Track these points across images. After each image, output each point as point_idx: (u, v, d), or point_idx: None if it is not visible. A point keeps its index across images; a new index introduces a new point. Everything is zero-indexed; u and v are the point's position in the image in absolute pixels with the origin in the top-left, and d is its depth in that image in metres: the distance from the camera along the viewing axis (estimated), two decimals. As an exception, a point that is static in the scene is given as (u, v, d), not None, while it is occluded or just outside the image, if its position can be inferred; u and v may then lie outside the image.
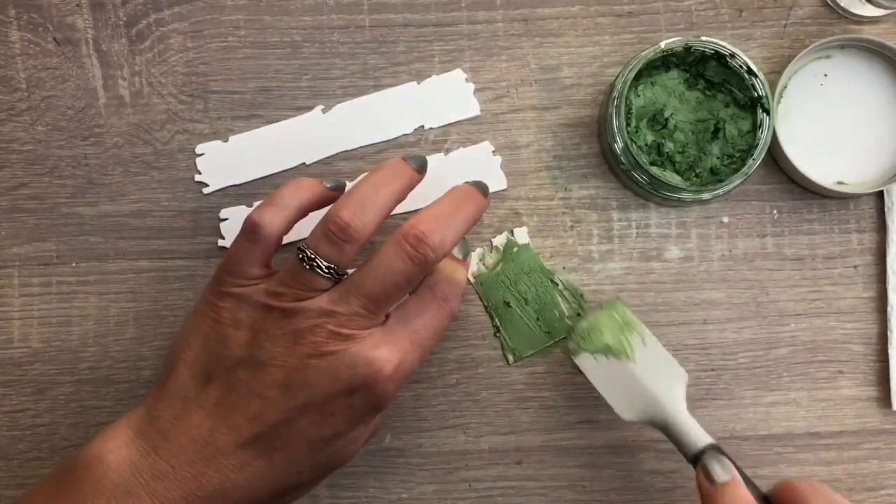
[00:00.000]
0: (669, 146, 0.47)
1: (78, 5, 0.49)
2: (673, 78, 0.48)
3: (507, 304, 0.49)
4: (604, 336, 0.44)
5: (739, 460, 0.49)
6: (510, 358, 0.49)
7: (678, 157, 0.47)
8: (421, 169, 0.43)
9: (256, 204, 0.48)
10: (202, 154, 0.49)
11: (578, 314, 0.49)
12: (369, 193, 0.41)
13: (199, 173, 0.49)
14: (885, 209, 0.49)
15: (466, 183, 0.43)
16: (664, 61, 0.47)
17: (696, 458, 0.41)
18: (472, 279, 0.49)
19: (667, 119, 0.47)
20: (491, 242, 0.50)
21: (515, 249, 0.49)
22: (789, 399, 0.49)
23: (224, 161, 0.49)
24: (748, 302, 0.49)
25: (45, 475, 0.45)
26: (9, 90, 0.49)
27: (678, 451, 0.42)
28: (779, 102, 0.48)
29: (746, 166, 0.45)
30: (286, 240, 0.43)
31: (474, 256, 0.49)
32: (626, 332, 0.44)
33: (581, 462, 0.49)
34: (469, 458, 0.49)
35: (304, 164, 0.49)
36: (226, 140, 0.49)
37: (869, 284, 0.50)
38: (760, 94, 0.46)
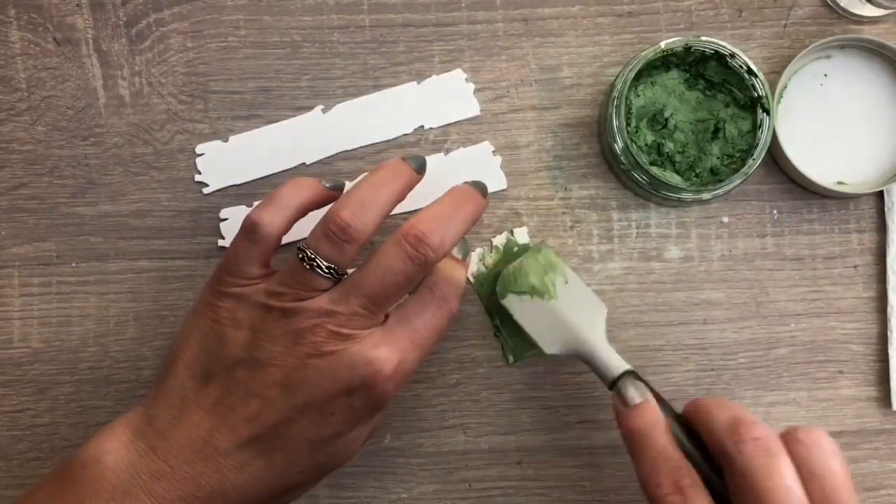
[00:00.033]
0: (669, 146, 0.47)
1: (78, 5, 0.49)
2: (673, 78, 0.48)
3: (507, 304, 0.49)
4: (529, 278, 0.46)
5: (739, 460, 0.49)
6: (510, 358, 0.49)
7: (678, 157, 0.47)
8: (420, 169, 0.43)
9: (256, 204, 0.48)
10: (202, 154, 0.49)
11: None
12: (369, 193, 0.41)
13: (199, 173, 0.49)
14: (885, 209, 0.49)
15: (466, 183, 0.43)
16: (664, 61, 0.47)
17: (614, 384, 0.43)
18: (472, 279, 0.49)
19: (667, 119, 0.47)
20: (491, 242, 0.50)
21: (515, 249, 0.49)
22: (789, 399, 0.49)
23: (224, 161, 0.49)
24: (748, 302, 0.49)
25: (43, 475, 0.45)
26: (9, 90, 0.49)
27: (599, 379, 0.44)
28: (779, 102, 0.48)
29: (746, 166, 0.45)
30: (286, 239, 0.43)
31: (474, 256, 0.49)
32: (549, 272, 0.46)
33: (581, 462, 0.49)
34: (469, 458, 0.49)
35: (304, 164, 0.49)
36: (226, 140, 0.49)
37: (869, 284, 0.50)
38: (760, 94, 0.46)
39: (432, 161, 0.49)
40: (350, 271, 0.41)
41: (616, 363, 0.43)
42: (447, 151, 0.50)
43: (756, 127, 0.47)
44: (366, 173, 0.43)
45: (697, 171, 0.47)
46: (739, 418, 0.37)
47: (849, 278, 0.50)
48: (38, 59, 0.49)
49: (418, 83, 0.50)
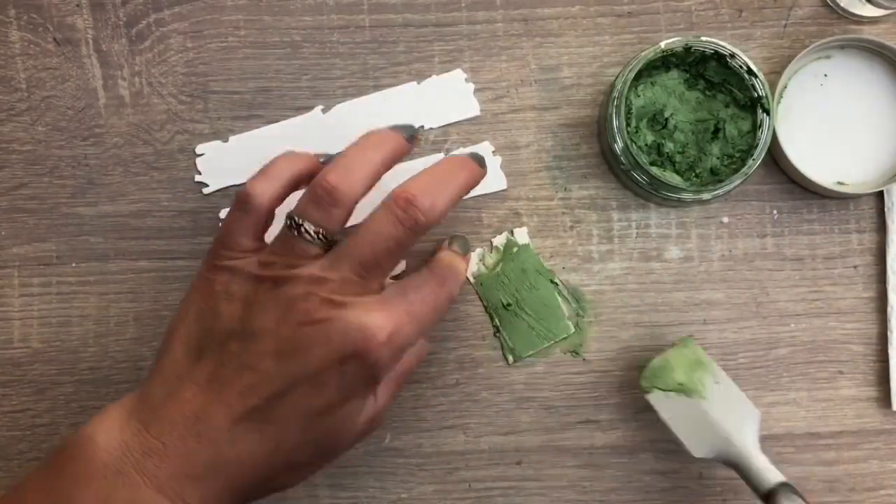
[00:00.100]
0: (669, 146, 0.47)
1: (78, 5, 0.49)
2: (673, 78, 0.48)
3: (507, 304, 0.49)
4: (675, 374, 0.44)
5: (739, 460, 0.49)
6: (510, 358, 0.49)
7: (678, 158, 0.47)
8: (410, 138, 0.42)
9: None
10: (202, 154, 0.49)
11: (579, 314, 0.49)
12: (356, 157, 0.40)
13: (199, 173, 0.49)
14: (885, 209, 0.49)
15: (462, 152, 0.43)
16: (664, 61, 0.47)
17: (768, 496, 0.41)
18: (472, 279, 0.49)
19: (667, 119, 0.47)
20: (491, 242, 0.50)
21: (515, 249, 0.49)
22: (789, 399, 0.49)
23: (224, 161, 0.49)
24: (748, 302, 0.49)
25: (41, 458, 0.45)
26: (9, 90, 0.49)
27: (749, 488, 0.43)
28: (779, 102, 0.48)
29: (746, 166, 0.45)
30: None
31: (474, 256, 0.49)
32: (697, 370, 0.45)
33: (581, 462, 0.49)
34: (469, 458, 0.49)
35: (304, 164, 0.49)
36: (226, 140, 0.49)
37: (869, 284, 0.50)
38: (760, 94, 0.46)
39: (433, 161, 0.49)
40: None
41: (772, 475, 0.42)
42: (447, 152, 0.50)
43: (756, 127, 0.47)
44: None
45: (697, 171, 0.47)
46: None
47: (849, 278, 0.50)
48: (38, 59, 0.49)
49: (418, 83, 0.50)
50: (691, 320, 0.49)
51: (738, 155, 0.47)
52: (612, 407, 0.49)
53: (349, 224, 0.41)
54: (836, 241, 0.50)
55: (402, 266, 0.49)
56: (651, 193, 0.47)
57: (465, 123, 0.50)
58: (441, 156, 0.49)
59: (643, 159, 0.46)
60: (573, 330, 0.49)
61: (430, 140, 0.50)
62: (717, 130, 0.47)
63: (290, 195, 0.42)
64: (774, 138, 0.47)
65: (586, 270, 0.49)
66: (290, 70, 0.50)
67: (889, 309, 0.49)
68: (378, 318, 0.38)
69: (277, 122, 0.49)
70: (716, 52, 0.46)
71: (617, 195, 0.50)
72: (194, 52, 0.50)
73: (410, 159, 0.49)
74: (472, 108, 0.50)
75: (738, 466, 0.43)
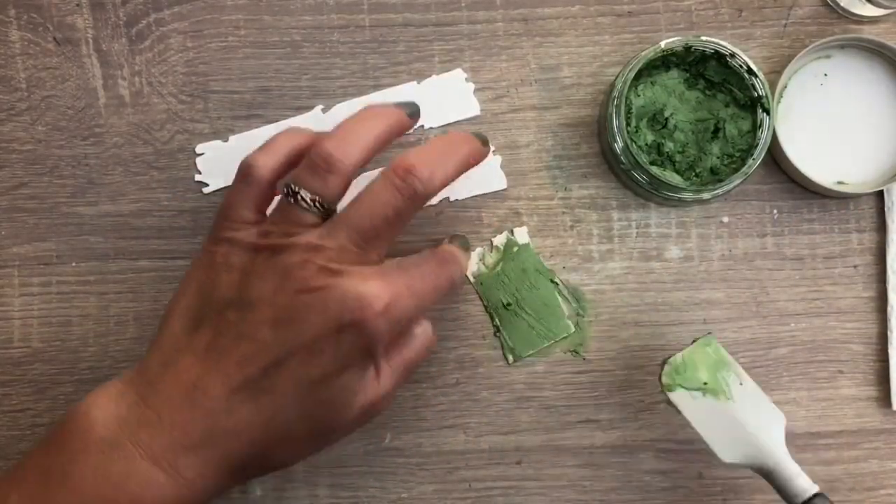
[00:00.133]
0: (669, 146, 0.47)
1: (78, 5, 0.49)
2: (673, 78, 0.48)
3: (507, 304, 0.49)
4: (699, 372, 0.43)
5: (739, 460, 0.49)
6: (510, 358, 0.49)
7: (678, 157, 0.47)
8: (413, 115, 0.43)
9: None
10: (202, 154, 0.49)
11: (579, 314, 0.49)
12: (354, 127, 0.40)
13: (199, 173, 0.49)
14: (885, 209, 0.49)
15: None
16: (664, 61, 0.47)
17: None
18: (472, 279, 0.49)
19: (667, 119, 0.47)
20: (491, 242, 0.50)
21: (515, 249, 0.49)
22: (789, 399, 0.49)
23: (224, 161, 0.49)
24: (748, 302, 0.49)
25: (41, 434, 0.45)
26: (9, 90, 0.49)
27: (780, 496, 0.42)
28: (779, 102, 0.48)
29: (746, 166, 0.45)
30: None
31: (474, 256, 0.49)
32: (721, 369, 0.43)
33: (581, 462, 0.49)
34: (469, 458, 0.49)
35: (304, 163, 0.49)
36: (226, 140, 0.49)
37: (869, 284, 0.50)
38: (760, 93, 0.46)
39: (432, 161, 0.49)
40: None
41: (806, 484, 0.41)
42: (447, 151, 0.50)
43: (756, 127, 0.47)
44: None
45: (697, 170, 0.47)
46: None
47: (849, 278, 0.50)
48: (38, 59, 0.49)
49: (418, 83, 0.50)
50: (691, 320, 0.49)
51: (738, 154, 0.47)
52: (612, 407, 0.49)
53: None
54: (836, 241, 0.50)
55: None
56: (651, 193, 0.47)
57: (465, 123, 0.50)
58: (441, 155, 0.49)
59: (643, 159, 0.46)
60: (573, 329, 0.49)
61: (431, 140, 0.50)
62: (717, 130, 0.47)
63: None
64: (774, 138, 0.47)
65: (586, 270, 0.49)
66: (290, 70, 0.50)
67: (889, 309, 0.49)
68: (375, 287, 0.38)
69: (277, 121, 0.49)
70: (716, 51, 0.46)
71: (617, 195, 0.50)
72: (194, 51, 0.50)
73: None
74: (472, 108, 0.50)
75: (770, 474, 0.42)
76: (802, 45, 0.49)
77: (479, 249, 0.49)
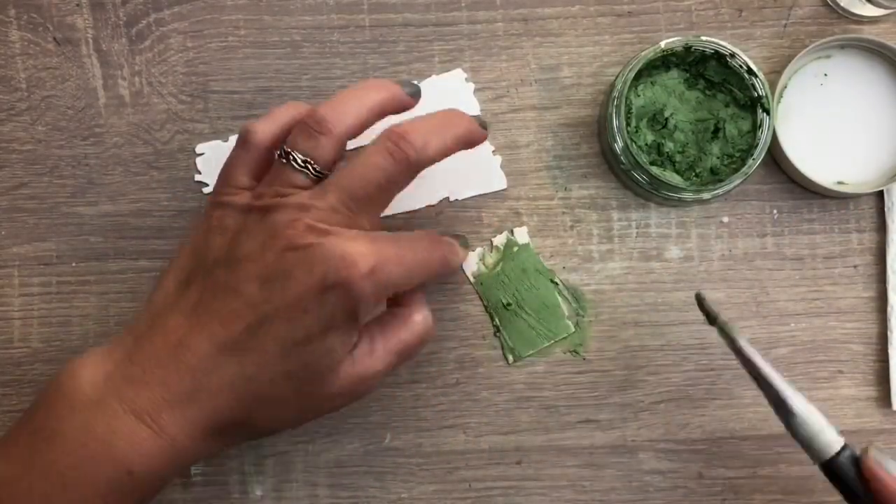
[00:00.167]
0: (669, 146, 0.47)
1: (78, 5, 0.49)
2: (673, 78, 0.48)
3: (507, 303, 0.49)
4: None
5: (739, 460, 0.49)
6: (510, 358, 0.49)
7: (678, 157, 0.47)
8: (413, 94, 0.43)
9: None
10: (202, 154, 0.49)
11: (579, 314, 0.49)
12: (350, 95, 0.41)
13: (199, 173, 0.49)
14: (885, 209, 0.49)
15: None
16: (664, 61, 0.47)
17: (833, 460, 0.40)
18: (472, 279, 0.49)
19: (667, 119, 0.47)
20: (491, 242, 0.50)
21: (515, 249, 0.49)
22: (789, 399, 0.49)
23: (224, 161, 0.49)
24: (748, 302, 0.49)
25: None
26: (9, 90, 0.49)
27: (803, 449, 0.41)
28: (779, 102, 0.48)
29: (746, 166, 0.45)
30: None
31: (474, 256, 0.49)
32: None
33: (581, 462, 0.49)
34: (469, 458, 0.49)
35: (304, 163, 0.49)
36: (226, 140, 0.49)
37: (869, 284, 0.50)
38: (760, 93, 0.46)
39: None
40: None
41: (833, 437, 0.41)
42: (447, 151, 0.50)
43: (756, 127, 0.47)
44: None
45: (697, 170, 0.47)
46: None
47: (849, 278, 0.50)
48: (38, 59, 0.49)
49: (418, 83, 0.50)
50: (691, 320, 0.49)
51: (738, 155, 0.47)
52: (612, 407, 0.49)
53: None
54: (836, 241, 0.50)
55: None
56: (651, 193, 0.47)
57: (465, 123, 0.50)
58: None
59: (643, 159, 0.46)
60: (573, 329, 0.49)
61: (430, 140, 0.50)
62: (717, 130, 0.47)
63: None
64: (774, 138, 0.47)
65: (586, 270, 0.49)
66: (290, 70, 0.50)
67: (889, 309, 0.49)
68: (362, 248, 0.38)
69: (277, 121, 0.49)
70: (716, 51, 0.46)
71: (617, 195, 0.50)
72: (194, 51, 0.50)
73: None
74: (472, 108, 0.50)
75: (793, 422, 0.41)
76: (802, 45, 0.49)
77: (479, 249, 0.49)
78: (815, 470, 0.49)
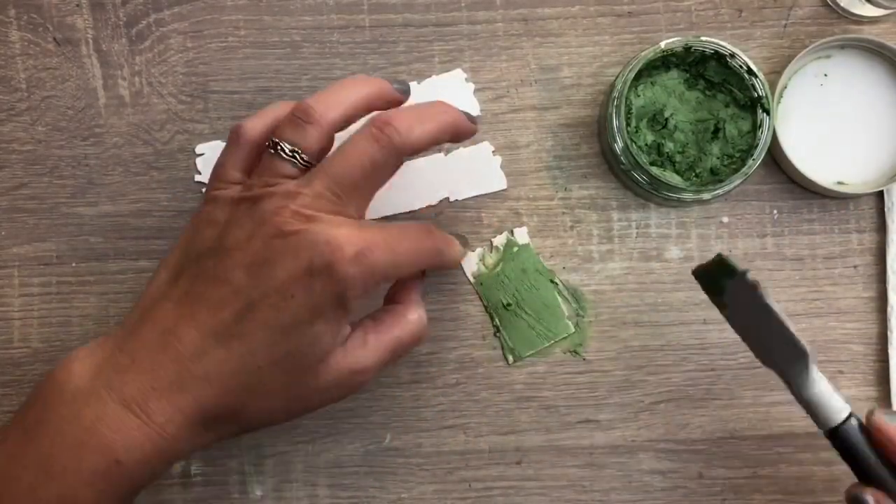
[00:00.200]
0: (669, 146, 0.47)
1: (78, 5, 0.49)
2: (673, 78, 0.48)
3: (507, 304, 0.49)
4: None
5: (739, 460, 0.49)
6: (510, 358, 0.49)
7: (678, 157, 0.47)
8: (402, 91, 0.43)
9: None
10: (202, 154, 0.49)
11: (579, 314, 0.49)
12: (338, 87, 0.41)
13: (199, 173, 0.49)
14: (885, 209, 0.49)
15: None
16: (664, 61, 0.47)
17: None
18: (472, 279, 0.49)
19: (667, 119, 0.47)
20: (491, 242, 0.50)
21: (515, 249, 0.49)
22: (789, 399, 0.49)
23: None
24: (748, 302, 0.49)
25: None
26: (9, 90, 0.49)
27: (809, 415, 0.42)
28: (779, 102, 0.48)
29: (746, 166, 0.45)
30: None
31: (474, 256, 0.49)
32: None
33: (581, 462, 0.49)
34: (469, 458, 0.49)
35: (304, 164, 0.49)
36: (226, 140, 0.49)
37: (869, 284, 0.50)
38: (760, 94, 0.46)
39: (432, 161, 0.49)
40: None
41: (840, 405, 0.41)
42: (447, 151, 0.50)
43: (756, 127, 0.47)
44: None
45: (697, 171, 0.47)
46: None
47: (849, 278, 0.50)
48: (38, 59, 0.49)
49: (418, 83, 0.50)
50: (691, 320, 0.49)
51: (738, 155, 0.47)
52: (612, 407, 0.49)
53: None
54: (836, 241, 0.50)
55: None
56: (651, 193, 0.47)
57: (465, 123, 0.50)
58: (441, 155, 0.49)
59: (643, 159, 0.46)
60: (573, 330, 0.49)
61: (430, 140, 0.50)
62: (717, 130, 0.47)
63: None
64: (774, 138, 0.47)
65: (586, 270, 0.49)
66: (290, 70, 0.50)
67: (889, 309, 0.49)
68: (348, 233, 0.38)
69: (277, 122, 0.49)
70: (716, 51, 0.46)
71: (617, 195, 0.50)
72: (194, 52, 0.50)
73: (411, 158, 0.49)
74: (472, 108, 0.50)
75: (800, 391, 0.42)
76: (802, 45, 0.49)
77: (479, 249, 0.49)
78: (815, 470, 0.49)
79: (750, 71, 0.46)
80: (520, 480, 0.49)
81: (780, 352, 0.42)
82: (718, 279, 0.42)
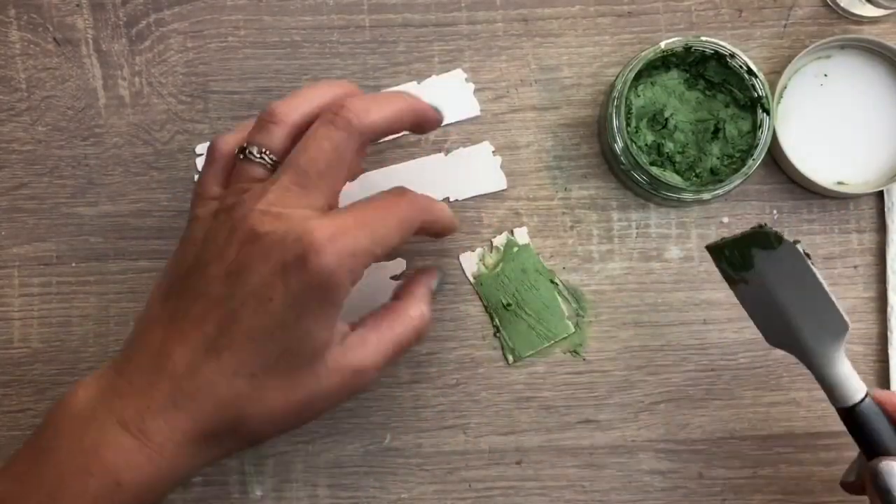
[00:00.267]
0: (669, 146, 0.47)
1: (78, 5, 0.49)
2: (673, 78, 0.48)
3: (507, 304, 0.49)
4: None
5: (739, 460, 0.49)
6: (510, 358, 0.49)
7: (678, 158, 0.47)
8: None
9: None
10: (202, 154, 0.49)
11: (579, 314, 0.49)
12: (303, 90, 0.42)
13: (199, 173, 0.49)
14: (885, 209, 0.49)
15: None
16: (664, 61, 0.47)
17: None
18: (472, 279, 0.49)
19: (667, 119, 0.47)
20: (491, 242, 0.50)
21: (515, 249, 0.49)
22: (789, 399, 0.49)
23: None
24: (748, 302, 0.49)
25: None
26: (9, 90, 0.49)
27: (826, 394, 0.42)
28: (779, 102, 0.48)
29: (746, 166, 0.45)
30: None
31: (474, 257, 0.49)
32: None
33: (581, 462, 0.49)
34: (469, 458, 0.49)
35: (304, 164, 0.49)
36: (226, 140, 0.49)
37: (869, 284, 0.50)
38: (760, 94, 0.46)
39: (432, 161, 0.49)
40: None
41: (857, 385, 0.41)
42: (447, 151, 0.50)
43: (756, 127, 0.47)
44: None
45: (697, 171, 0.47)
46: None
47: (849, 278, 0.50)
48: (38, 59, 0.49)
49: (418, 83, 0.50)
50: (691, 320, 0.49)
51: (738, 155, 0.47)
52: (612, 407, 0.49)
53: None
54: (836, 241, 0.50)
55: (402, 265, 0.49)
56: (651, 193, 0.47)
57: (465, 123, 0.50)
58: (441, 155, 0.49)
59: (643, 159, 0.46)
60: (573, 330, 0.49)
61: (431, 140, 0.50)
62: (717, 130, 0.47)
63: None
64: (774, 138, 0.47)
65: (586, 270, 0.49)
66: (290, 70, 0.50)
67: (889, 309, 0.49)
68: (317, 223, 0.38)
69: (277, 122, 0.49)
70: (716, 52, 0.46)
71: (617, 195, 0.50)
72: (194, 52, 0.50)
73: (408, 160, 0.49)
74: (472, 108, 0.50)
75: (819, 369, 0.41)
76: (802, 46, 0.49)
77: (479, 250, 0.49)
78: (815, 470, 0.49)
79: (750, 71, 0.46)
80: (520, 480, 0.49)
81: (812, 327, 0.41)
82: (748, 252, 0.41)
